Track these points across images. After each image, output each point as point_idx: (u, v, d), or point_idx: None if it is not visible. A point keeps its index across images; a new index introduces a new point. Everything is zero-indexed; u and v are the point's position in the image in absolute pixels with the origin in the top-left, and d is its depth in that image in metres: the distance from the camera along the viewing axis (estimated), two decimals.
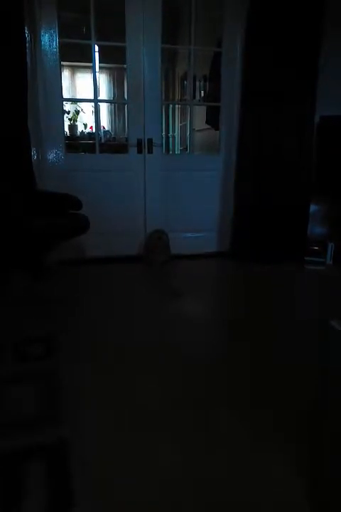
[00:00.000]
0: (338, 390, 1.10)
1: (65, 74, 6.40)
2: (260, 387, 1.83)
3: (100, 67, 6.18)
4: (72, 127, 6.36)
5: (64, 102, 3.76)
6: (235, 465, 1.36)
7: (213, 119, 4.11)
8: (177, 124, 6.72)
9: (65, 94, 5.90)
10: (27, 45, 3.03)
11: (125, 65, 3.52)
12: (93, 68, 3.53)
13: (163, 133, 6.12)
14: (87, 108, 6.42)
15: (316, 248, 3.70)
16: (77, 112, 6.44)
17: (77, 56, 5.45)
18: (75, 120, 6.44)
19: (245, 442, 1.46)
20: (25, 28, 3.00)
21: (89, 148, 5.38)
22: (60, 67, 3.36)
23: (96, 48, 4.23)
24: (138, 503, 1.22)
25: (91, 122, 6.44)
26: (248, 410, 1.65)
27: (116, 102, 7.71)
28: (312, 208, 3.74)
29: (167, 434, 1.51)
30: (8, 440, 1.48)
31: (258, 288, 3.18)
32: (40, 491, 1.25)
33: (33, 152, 3.22)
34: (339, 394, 1.09)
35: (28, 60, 3.06)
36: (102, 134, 6.19)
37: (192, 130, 4.20)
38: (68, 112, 6.28)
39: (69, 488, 1.26)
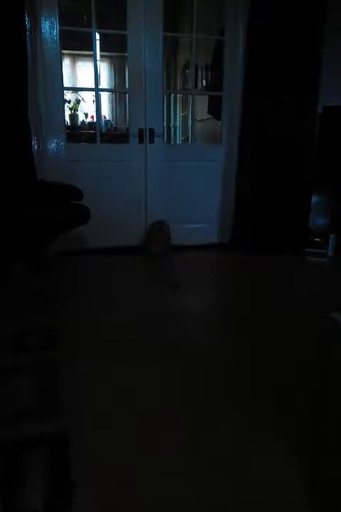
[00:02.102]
0: (339, 383, 1.09)
1: (66, 62, 6.35)
2: (260, 383, 1.82)
3: (101, 56, 6.13)
4: (73, 117, 6.32)
5: (64, 91, 3.72)
6: (235, 465, 1.36)
7: (215, 108, 4.08)
8: (179, 114, 6.67)
9: (66, 83, 5.85)
10: (27, 32, 3.00)
11: (126, 54, 3.48)
12: (94, 57, 3.49)
13: (165, 123, 6.07)
14: (88, 97, 6.38)
15: (317, 239, 3.68)
16: (78, 102, 6.39)
17: (77, 44, 5.41)
18: (76, 109, 6.40)
19: (245, 441, 1.46)
20: (26, 15, 2.97)
21: (90, 138, 5.35)
22: (61, 56, 3.32)
23: (97, 36, 4.19)
24: (137, 497, 1.22)
25: (92, 112, 6.39)
26: (248, 408, 1.64)
27: (117, 91, 7.66)
28: (314, 199, 3.72)
29: (167, 428, 1.51)
30: (8, 430, 1.48)
31: (259, 279, 3.17)
32: (41, 481, 1.26)
33: (34, 142, 3.19)
34: (340, 388, 1.08)
35: (29, 48, 3.03)
36: (103, 124, 6.15)
37: (193, 120, 4.16)
38: (69, 102, 6.24)
39: (70, 479, 1.27)
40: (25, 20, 2.95)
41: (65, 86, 4.30)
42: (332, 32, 3.42)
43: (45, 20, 3.16)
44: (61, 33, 3.22)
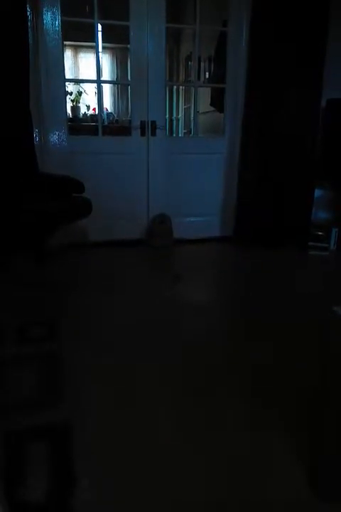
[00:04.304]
0: (339, 376, 1.09)
1: (68, 54, 6.30)
2: (261, 382, 1.82)
3: (103, 47, 6.07)
4: (75, 109, 6.28)
5: (66, 83, 3.70)
6: (235, 464, 1.36)
7: (218, 101, 4.05)
8: (181, 107, 6.63)
9: (68, 75, 5.81)
10: (29, 23, 2.98)
11: (128, 45, 3.45)
12: (96, 48, 3.47)
13: (167, 115, 6.04)
14: (90, 89, 6.33)
15: (320, 233, 3.67)
16: (80, 93, 6.35)
17: (79, 35, 5.34)
18: (78, 102, 6.36)
19: (245, 441, 1.45)
20: (27, 6, 2.94)
21: (92, 131, 5.33)
22: (63, 47, 3.29)
23: (99, 27, 4.16)
24: (138, 495, 1.22)
25: (94, 104, 6.36)
26: (248, 407, 1.63)
27: (119, 83, 7.61)
28: (317, 192, 3.71)
29: (167, 427, 1.51)
30: (10, 421, 1.49)
31: (261, 274, 3.16)
32: (43, 472, 1.26)
33: (35, 134, 3.18)
34: (340, 381, 1.08)
35: (30, 39, 3.01)
36: (105, 116, 6.12)
37: (196, 112, 4.13)
38: (71, 93, 6.20)
39: (71, 469, 1.27)
40: (26, 11, 2.93)
41: (66, 78, 4.28)
42: (337, 26, 3.37)
43: (47, 11, 3.13)
44: (63, 23, 3.20)
